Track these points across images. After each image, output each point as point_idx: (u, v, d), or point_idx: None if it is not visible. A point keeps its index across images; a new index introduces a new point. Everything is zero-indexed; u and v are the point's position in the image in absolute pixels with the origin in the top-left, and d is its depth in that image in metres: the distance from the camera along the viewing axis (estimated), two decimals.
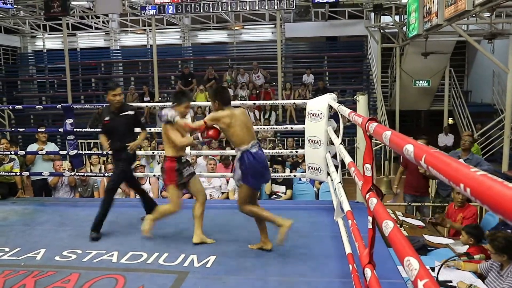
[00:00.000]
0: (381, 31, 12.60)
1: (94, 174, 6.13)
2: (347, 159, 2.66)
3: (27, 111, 14.07)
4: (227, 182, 6.25)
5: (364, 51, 14.50)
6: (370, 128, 1.68)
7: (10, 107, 11.32)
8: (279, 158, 6.83)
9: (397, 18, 12.08)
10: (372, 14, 12.87)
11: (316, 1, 11.97)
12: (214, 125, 3.67)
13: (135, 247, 3.76)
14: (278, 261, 3.45)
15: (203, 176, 5.88)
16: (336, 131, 4.50)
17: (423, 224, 4.80)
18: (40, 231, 4.26)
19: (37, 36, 16.84)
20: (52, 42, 16.85)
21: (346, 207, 2.65)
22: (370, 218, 1.82)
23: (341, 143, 3.31)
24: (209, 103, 3.85)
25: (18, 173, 5.74)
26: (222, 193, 6.17)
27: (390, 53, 13.60)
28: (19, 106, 6.98)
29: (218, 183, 6.13)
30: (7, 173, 5.65)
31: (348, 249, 2.74)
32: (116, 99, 4.17)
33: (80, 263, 3.48)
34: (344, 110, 3.03)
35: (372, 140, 1.87)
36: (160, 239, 3.97)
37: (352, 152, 5.61)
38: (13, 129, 11.42)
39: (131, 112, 4.32)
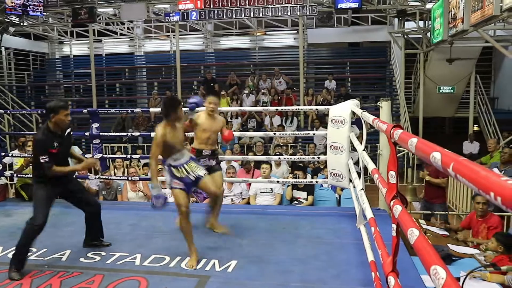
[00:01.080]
0: (405, 37, 12.46)
1: (118, 178, 6.23)
2: (371, 165, 2.64)
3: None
4: (248, 187, 6.25)
5: (387, 57, 14.37)
6: (395, 135, 1.67)
7: (39, 111, 11.62)
8: (300, 164, 6.81)
9: (421, 23, 11.94)
10: (396, 19, 12.75)
11: (338, 7, 11.92)
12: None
13: (158, 251, 3.80)
14: (299, 267, 3.44)
15: (226, 181, 5.91)
16: (359, 138, 4.47)
17: (447, 233, 4.71)
18: (66, 233, 4.35)
19: (64, 42, 17.27)
20: (78, 48, 17.25)
21: (369, 214, 2.62)
22: (394, 226, 1.80)
23: (364, 150, 3.28)
24: (232, 108, 4.05)
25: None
26: (243, 198, 6.18)
27: (413, 59, 13.43)
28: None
29: (238, 190, 6.13)
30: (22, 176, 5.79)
31: (370, 257, 2.71)
32: (67, 119, 3.62)
33: (104, 265, 3.54)
34: (368, 117, 3.01)
35: (396, 147, 1.86)
36: (182, 243, 4.00)
37: (374, 159, 5.57)
38: None
39: (69, 129, 3.77)
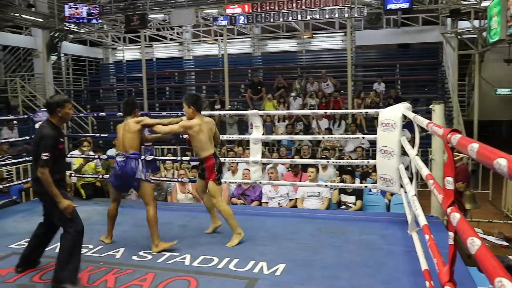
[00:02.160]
0: (458, 37, 11.99)
1: (169, 179, 6.40)
2: (424, 171, 2.56)
3: (108, 118, 15.02)
4: (295, 190, 6.23)
5: (439, 58, 13.88)
6: (452, 140, 1.62)
7: (95, 114, 12.16)
8: (349, 168, 6.71)
9: (476, 23, 11.44)
10: (449, 19, 12.30)
11: (388, 8, 11.67)
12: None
13: (206, 251, 3.87)
14: (347, 273, 3.39)
15: (272, 184, 5.93)
16: (410, 142, 4.35)
17: (507, 244, 4.47)
18: (119, 231, 4.50)
19: (117, 48, 17.98)
20: (130, 53, 17.90)
21: (422, 221, 2.54)
22: (451, 234, 1.74)
23: (416, 154, 3.19)
24: (279, 111, 4.05)
25: (102, 176, 6.16)
26: (290, 200, 6.16)
27: (467, 60, 12.90)
28: (103, 114, 7.46)
29: (285, 190, 6.14)
30: (90, 175, 6.08)
31: (424, 265, 2.63)
32: (71, 113, 3.54)
33: (155, 264, 3.65)
34: (421, 121, 2.93)
35: (453, 153, 1.80)
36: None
37: (425, 164, 5.39)
38: (97, 134, 12.23)
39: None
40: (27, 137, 7.73)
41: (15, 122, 11.02)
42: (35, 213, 5.35)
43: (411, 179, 3.86)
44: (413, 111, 4.32)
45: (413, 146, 3.70)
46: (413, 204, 3.00)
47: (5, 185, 6.30)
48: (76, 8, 13.59)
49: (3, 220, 5.03)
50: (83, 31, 15.15)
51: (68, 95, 15.69)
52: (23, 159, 7.03)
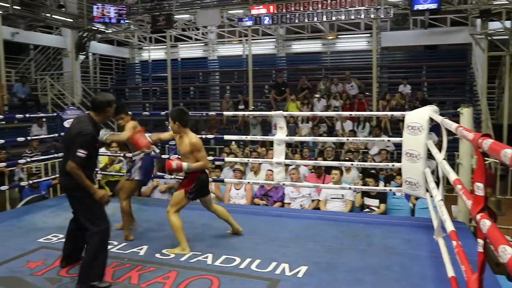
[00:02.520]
0: (488, 38, 11.70)
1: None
2: (452, 175, 2.50)
3: (133, 117, 15.24)
4: (318, 192, 6.19)
5: (467, 60, 13.58)
6: (484, 145, 1.58)
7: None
8: (372, 171, 6.62)
9: (507, 23, 11.14)
10: (478, 20, 12.01)
11: (415, 9, 11.48)
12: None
13: (228, 251, 3.88)
14: (371, 277, 3.35)
15: (295, 186, 5.91)
16: (436, 145, 4.27)
17: None
18: (143, 229, 4.58)
19: (143, 48, 18.25)
20: (156, 53, 18.14)
21: (449, 226, 2.49)
22: (480, 241, 1.70)
23: (444, 158, 3.13)
24: (303, 112, 3.99)
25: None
26: (312, 200, 6.13)
27: (498, 61, 12.57)
28: (130, 113, 7.55)
29: (307, 191, 6.10)
30: (115, 173, 6.19)
31: (450, 272, 2.57)
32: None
33: (178, 262, 3.68)
34: (450, 124, 2.87)
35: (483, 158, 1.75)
36: (252, 245, 4.06)
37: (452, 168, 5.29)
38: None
39: None
40: (56, 134, 7.93)
41: (44, 119, 11.31)
42: (63, 208, 5.47)
43: (437, 184, 3.78)
44: (440, 114, 4.25)
45: (440, 149, 3.64)
46: (439, 209, 2.94)
47: (34, 181, 6.48)
48: (104, 9, 13.86)
49: (33, 215, 5.17)
50: (110, 31, 15.44)
51: (95, 93, 15.99)
52: (52, 155, 7.22)
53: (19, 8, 11.95)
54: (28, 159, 6.88)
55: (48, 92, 13.89)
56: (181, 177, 6.29)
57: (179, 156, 4.22)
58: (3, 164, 6.45)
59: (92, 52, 16.42)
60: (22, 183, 6.56)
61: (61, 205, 5.63)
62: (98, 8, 13.85)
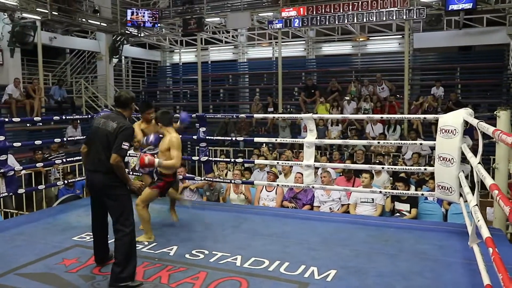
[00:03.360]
0: None
1: (222, 180, 6.50)
2: (489, 180, 2.43)
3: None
4: (349, 195, 6.13)
5: (504, 61, 13.12)
6: None
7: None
8: (402, 175, 6.51)
9: None
10: None
11: (449, 9, 11.21)
12: None
13: (258, 253, 3.89)
14: (402, 283, 3.29)
15: (324, 189, 5.87)
16: (471, 149, 4.15)
17: None
18: (173, 229, 4.65)
19: (174, 50, 18.52)
20: (187, 56, 18.38)
21: (485, 233, 2.42)
22: None
23: (479, 163, 3.05)
24: (333, 115, 4.01)
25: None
26: (342, 205, 6.06)
27: None
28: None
29: (337, 195, 6.04)
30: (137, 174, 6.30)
31: (486, 280, 2.50)
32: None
33: (207, 263, 3.72)
34: (486, 127, 2.79)
35: None
36: (281, 248, 4.06)
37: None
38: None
39: None
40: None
41: (78, 121, 11.65)
42: None
43: (471, 188, 3.68)
44: (474, 117, 4.14)
45: (475, 153, 3.54)
46: (474, 214, 2.86)
47: (70, 180, 6.69)
48: (137, 13, 14.17)
49: (67, 213, 5.32)
50: (143, 35, 15.75)
51: None
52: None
53: (57, 14, 12.36)
54: (58, 161, 7.10)
55: (82, 94, 14.30)
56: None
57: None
58: (40, 164, 6.69)
59: (125, 55, 16.78)
60: (59, 183, 6.78)
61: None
62: (131, 12, 14.18)
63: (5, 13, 11.22)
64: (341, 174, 7.38)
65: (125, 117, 3.52)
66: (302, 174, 5.87)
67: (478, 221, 2.66)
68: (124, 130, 3.36)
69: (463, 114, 4.27)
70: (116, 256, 3.32)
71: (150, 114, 4.91)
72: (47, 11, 11.83)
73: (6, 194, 5.42)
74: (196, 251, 3.98)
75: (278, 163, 6.70)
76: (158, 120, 4.41)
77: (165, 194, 4.52)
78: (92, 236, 3.79)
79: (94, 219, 3.70)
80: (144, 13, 14.18)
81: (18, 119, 6.54)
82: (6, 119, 5.96)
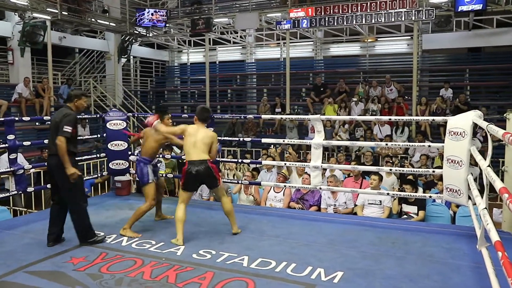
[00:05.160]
0: None
1: (229, 180, 6.51)
2: (498, 183, 2.41)
3: (172, 119, 15.55)
4: (356, 197, 6.10)
5: None
6: None
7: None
8: (410, 177, 6.46)
9: None
10: None
11: (459, 10, 11.13)
12: None
13: (264, 254, 3.89)
14: (409, 285, 3.28)
15: (332, 190, 5.85)
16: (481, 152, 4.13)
17: None
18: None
19: (183, 51, 18.58)
20: (195, 56, 18.44)
21: (495, 236, 2.40)
22: None
23: (488, 165, 3.02)
24: (341, 116, 3.98)
25: (163, 175, 6.39)
26: (346, 208, 6.03)
27: None
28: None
29: (343, 199, 5.98)
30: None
31: (495, 284, 2.48)
32: (85, 105, 4.32)
33: (214, 263, 3.72)
34: (496, 130, 2.77)
35: None
36: (288, 249, 4.06)
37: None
38: None
39: None
40: (98, 135, 8.21)
41: (87, 120, 11.73)
42: (104, 206, 5.68)
43: (480, 191, 3.66)
44: (484, 119, 4.11)
45: (483, 156, 3.52)
46: (483, 217, 2.84)
47: None
48: (146, 13, 14.25)
49: None
50: (151, 35, 15.82)
51: (135, 95, 16.43)
52: (94, 155, 7.47)
53: (67, 13, 12.46)
54: None
55: (91, 94, 14.38)
56: None
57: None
58: None
59: (134, 55, 16.86)
60: None
61: (101, 204, 5.83)
62: (140, 12, 14.26)
63: (16, 13, 11.32)
64: (348, 175, 7.37)
65: (71, 109, 4.11)
66: (309, 175, 5.86)
67: (487, 224, 2.64)
68: (67, 117, 4.00)
69: (473, 116, 4.24)
70: (76, 229, 4.14)
71: (169, 120, 4.98)
72: (57, 11, 11.92)
73: (15, 192, 5.47)
74: (203, 251, 3.99)
75: (285, 164, 6.69)
76: (196, 113, 4.53)
77: (188, 187, 4.42)
78: (102, 235, 4.35)
79: (53, 201, 4.29)
80: (152, 13, 14.25)
81: (27, 118, 6.59)
82: (16, 118, 6.01)
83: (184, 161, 4.48)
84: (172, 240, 4.22)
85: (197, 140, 4.36)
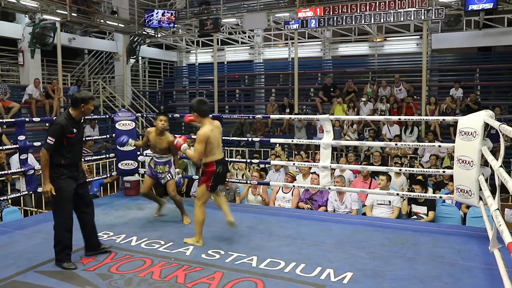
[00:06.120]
0: None
1: (238, 181, 6.51)
2: (510, 184, 2.39)
3: (180, 119, 15.60)
4: (362, 201, 6.07)
5: None
6: None
7: (169, 115, 12.67)
8: (419, 178, 6.42)
9: None
10: None
11: (469, 9, 11.03)
12: None
13: (273, 255, 3.89)
14: (419, 286, 3.25)
15: (341, 190, 5.82)
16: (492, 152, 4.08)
17: None
18: (189, 229, 4.65)
19: (191, 51, 18.62)
20: (203, 56, 18.47)
21: (507, 237, 2.37)
22: None
23: (501, 166, 2.99)
24: (350, 116, 3.94)
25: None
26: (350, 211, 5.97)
27: None
28: (177, 115, 7.76)
29: (349, 205, 5.91)
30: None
31: (508, 286, 2.45)
32: (92, 109, 3.92)
33: (223, 263, 3.72)
34: (508, 130, 2.74)
35: None
36: (297, 249, 4.05)
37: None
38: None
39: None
40: (107, 136, 8.25)
41: (96, 121, 11.80)
42: (113, 206, 5.71)
43: (491, 192, 3.62)
44: (496, 119, 4.06)
45: (495, 156, 3.48)
46: (495, 219, 2.81)
47: (88, 179, 6.75)
48: (155, 14, 14.31)
49: None
50: (159, 36, 15.88)
51: (144, 96, 16.50)
52: (103, 156, 7.51)
53: (76, 15, 12.55)
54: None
55: (100, 94, 14.47)
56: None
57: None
58: None
59: (142, 55, 16.93)
60: None
61: (111, 203, 5.86)
62: (149, 13, 14.32)
63: (26, 15, 11.43)
64: (357, 175, 7.34)
65: (70, 116, 3.73)
66: (318, 175, 5.84)
67: (500, 225, 2.61)
68: (50, 126, 3.74)
69: (484, 116, 4.20)
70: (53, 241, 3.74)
71: (161, 121, 4.96)
72: (66, 13, 12.00)
73: (26, 192, 5.52)
74: (212, 251, 3.99)
75: (293, 164, 6.67)
76: (193, 109, 4.19)
77: (215, 187, 4.24)
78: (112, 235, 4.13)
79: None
80: (161, 14, 14.32)
81: (38, 119, 6.63)
82: (27, 119, 6.06)
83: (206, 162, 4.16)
84: (186, 240, 4.23)
85: (218, 137, 4.17)
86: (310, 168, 6.73)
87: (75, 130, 3.71)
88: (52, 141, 3.62)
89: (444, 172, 5.49)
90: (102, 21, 13.58)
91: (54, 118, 3.79)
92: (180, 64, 18.92)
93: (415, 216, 5.75)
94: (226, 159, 6.54)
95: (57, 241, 3.69)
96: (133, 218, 5.19)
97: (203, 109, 4.17)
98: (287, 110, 12.81)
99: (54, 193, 3.64)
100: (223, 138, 6.20)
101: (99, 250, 3.94)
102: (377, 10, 11.26)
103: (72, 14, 12.27)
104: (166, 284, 3.34)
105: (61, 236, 3.68)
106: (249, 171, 8.10)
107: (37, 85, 11.60)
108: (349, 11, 11.59)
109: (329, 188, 5.57)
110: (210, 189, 4.19)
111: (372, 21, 11.62)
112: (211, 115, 6.06)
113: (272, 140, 6.58)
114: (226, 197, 4.51)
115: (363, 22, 11.68)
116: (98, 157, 7.61)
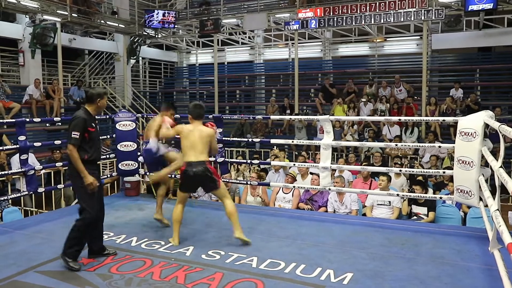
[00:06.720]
0: None
1: (238, 181, 6.51)
2: (510, 185, 2.39)
3: (181, 120, 15.61)
4: (363, 202, 6.07)
5: None
6: None
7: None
8: (419, 178, 6.41)
9: None
10: None
11: (469, 9, 11.02)
12: None
13: (273, 255, 3.89)
14: (419, 287, 3.25)
15: (341, 191, 5.82)
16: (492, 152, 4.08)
17: None
18: (189, 230, 4.66)
19: (191, 52, 18.63)
20: (203, 57, 18.48)
21: (507, 238, 2.37)
22: None
23: (501, 166, 2.99)
24: (350, 117, 3.93)
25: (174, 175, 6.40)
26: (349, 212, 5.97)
27: None
28: (177, 116, 7.73)
29: (348, 206, 5.91)
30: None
31: (508, 286, 2.45)
32: (106, 103, 4.05)
33: (224, 264, 3.72)
34: (508, 131, 2.74)
35: None
36: (297, 250, 4.05)
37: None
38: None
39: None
40: (107, 136, 8.24)
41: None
42: (114, 207, 5.71)
43: (491, 192, 3.62)
44: (496, 119, 4.07)
45: (495, 157, 3.48)
46: (495, 219, 2.81)
47: None
48: (155, 15, 14.32)
49: None
50: (160, 36, 15.89)
51: (144, 96, 16.50)
52: (104, 156, 7.50)
53: (77, 15, 12.56)
54: None
55: None
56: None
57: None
58: (60, 163, 6.79)
59: (142, 56, 16.94)
60: None
61: (111, 204, 5.86)
62: (149, 14, 14.33)
63: (26, 16, 11.44)
64: (357, 176, 7.34)
65: (87, 111, 3.82)
66: (318, 176, 5.84)
67: (500, 226, 2.61)
68: (71, 121, 3.74)
69: (484, 117, 4.20)
70: (69, 235, 3.70)
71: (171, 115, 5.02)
72: (67, 13, 12.01)
73: (26, 192, 5.52)
74: (212, 252, 3.99)
75: (294, 164, 6.68)
76: (188, 111, 4.37)
77: (185, 188, 4.33)
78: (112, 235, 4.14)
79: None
80: (161, 14, 14.33)
81: (38, 119, 6.64)
82: (27, 119, 6.06)
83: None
84: (169, 239, 4.27)
85: (196, 140, 4.18)
86: (308, 168, 6.74)
87: (93, 125, 3.82)
88: (77, 135, 3.67)
89: (444, 172, 5.49)
90: (102, 21, 13.60)
91: (76, 115, 3.77)
92: (180, 65, 18.93)
93: (415, 217, 5.75)
94: (227, 159, 6.55)
95: (75, 235, 3.67)
96: (134, 218, 5.19)
97: (195, 111, 4.32)
98: (288, 111, 12.81)
99: (89, 187, 3.68)
100: (224, 138, 6.25)
101: (102, 254, 3.91)
102: (377, 11, 11.26)
103: (73, 14, 12.28)
104: (166, 284, 3.34)
105: (83, 232, 3.71)
106: (250, 172, 8.09)
107: (38, 85, 11.61)
108: (349, 12, 11.59)
109: (329, 189, 5.57)
110: (180, 189, 4.32)
111: (372, 22, 11.62)
112: (211, 116, 6.13)
113: (273, 141, 6.59)
114: (233, 208, 4.32)
115: (363, 22, 11.68)
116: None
